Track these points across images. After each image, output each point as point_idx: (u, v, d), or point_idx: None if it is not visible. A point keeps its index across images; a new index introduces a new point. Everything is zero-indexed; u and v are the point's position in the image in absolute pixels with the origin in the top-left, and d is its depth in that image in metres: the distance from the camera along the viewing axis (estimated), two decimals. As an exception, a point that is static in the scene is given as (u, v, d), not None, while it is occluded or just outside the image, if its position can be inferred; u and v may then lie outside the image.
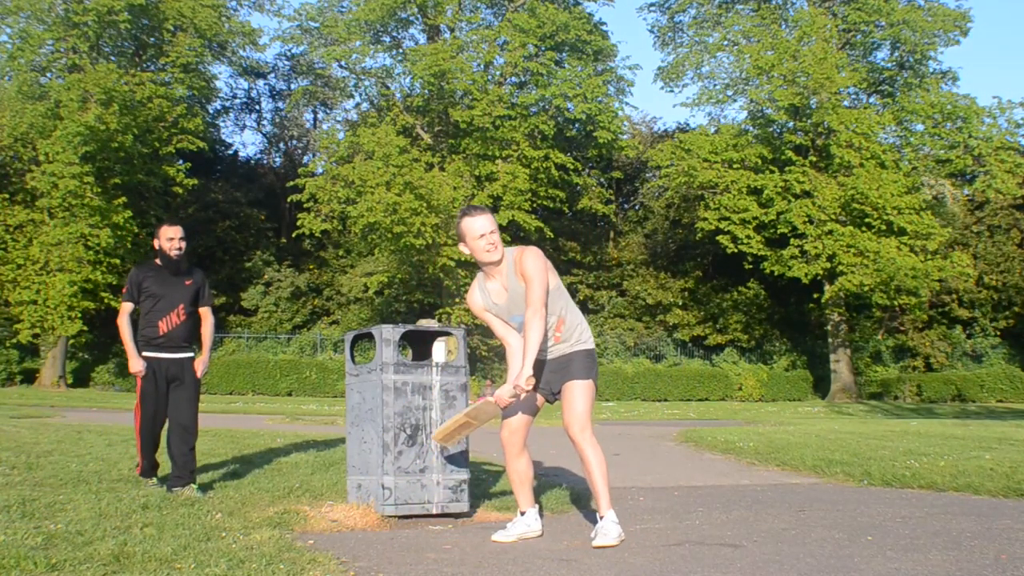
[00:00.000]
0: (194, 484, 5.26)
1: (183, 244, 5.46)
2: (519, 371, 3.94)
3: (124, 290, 5.50)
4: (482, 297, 4.13)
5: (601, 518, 3.90)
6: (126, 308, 5.44)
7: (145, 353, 5.37)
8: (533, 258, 3.98)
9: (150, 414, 5.37)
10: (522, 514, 4.09)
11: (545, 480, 6.06)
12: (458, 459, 4.69)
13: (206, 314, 5.60)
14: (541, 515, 4.34)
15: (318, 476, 5.80)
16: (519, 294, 3.97)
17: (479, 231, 4.00)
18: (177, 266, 5.46)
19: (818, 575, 3.26)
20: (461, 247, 4.08)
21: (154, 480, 5.46)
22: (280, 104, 38.19)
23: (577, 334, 4.10)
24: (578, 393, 3.99)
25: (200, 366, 5.49)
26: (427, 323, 5.22)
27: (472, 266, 26.42)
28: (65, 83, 24.54)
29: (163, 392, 5.37)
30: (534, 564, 3.46)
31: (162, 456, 5.60)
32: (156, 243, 5.48)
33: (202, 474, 5.91)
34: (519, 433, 4.09)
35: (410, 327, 4.79)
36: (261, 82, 38.30)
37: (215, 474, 5.91)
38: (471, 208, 4.10)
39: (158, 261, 5.49)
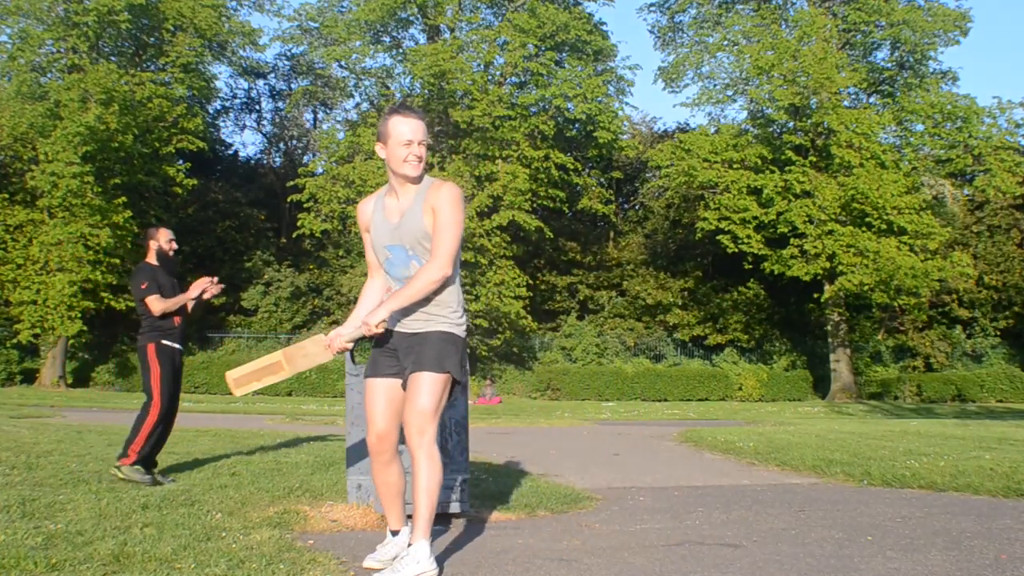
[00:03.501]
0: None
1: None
2: (373, 309, 3.36)
3: (144, 285, 5.75)
4: (373, 211, 3.49)
5: (409, 545, 3.25)
6: (155, 299, 5.73)
7: (164, 342, 5.72)
8: (456, 199, 3.33)
9: (168, 399, 5.68)
10: (394, 534, 3.49)
11: (545, 481, 6.05)
12: (458, 459, 4.69)
13: None
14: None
15: (318, 476, 5.81)
16: (415, 227, 3.34)
17: (407, 136, 3.33)
18: (173, 265, 5.95)
19: (818, 575, 3.26)
20: (378, 149, 3.40)
21: (151, 473, 5.56)
22: (280, 104, 38.20)
23: (443, 308, 3.37)
24: (426, 385, 3.27)
25: None
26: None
27: (470, 267, 26.46)
28: (65, 83, 24.53)
29: (177, 380, 5.80)
30: (534, 564, 3.46)
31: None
32: (154, 244, 5.89)
33: (202, 473, 5.91)
34: (391, 437, 3.40)
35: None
36: (261, 82, 38.32)
37: (216, 474, 5.90)
38: (404, 107, 3.41)
39: (154, 262, 5.88)
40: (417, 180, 3.39)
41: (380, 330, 3.31)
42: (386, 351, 3.43)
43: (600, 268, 34.07)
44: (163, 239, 5.91)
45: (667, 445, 9.88)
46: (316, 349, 3.57)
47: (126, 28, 25.95)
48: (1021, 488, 5.47)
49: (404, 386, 3.37)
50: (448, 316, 3.38)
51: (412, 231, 3.35)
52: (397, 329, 3.40)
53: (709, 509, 4.98)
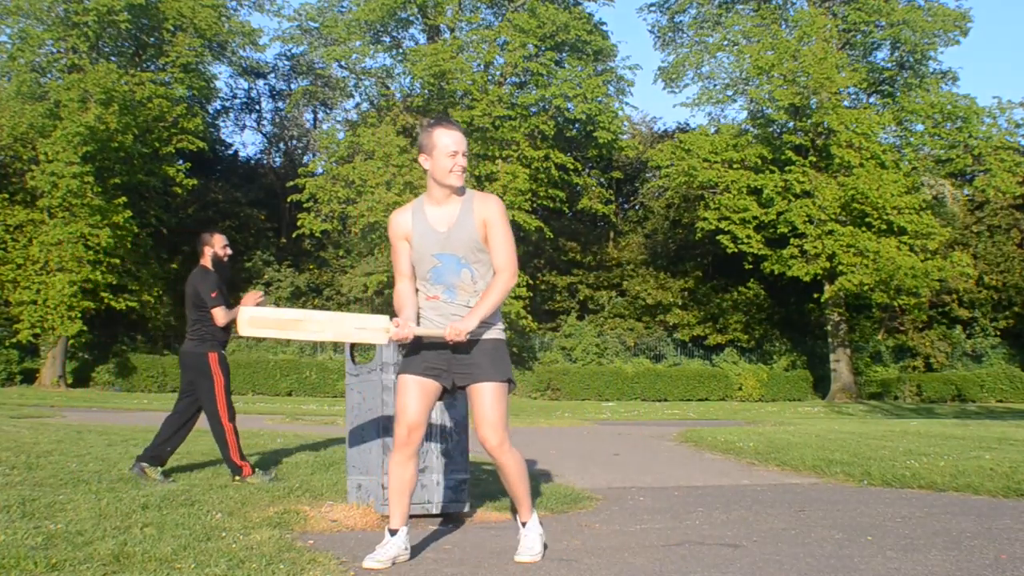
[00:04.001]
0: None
1: None
2: (465, 316, 3.45)
3: (215, 294, 5.77)
4: (412, 222, 3.55)
5: (523, 524, 3.60)
6: (222, 312, 5.79)
7: (223, 352, 5.86)
8: (504, 211, 3.54)
9: (231, 404, 5.77)
10: (392, 533, 3.45)
11: (545, 481, 6.05)
12: (458, 459, 4.70)
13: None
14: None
15: (318, 476, 5.81)
16: (468, 237, 3.49)
17: (453, 147, 3.48)
18: (227, 272, 6.02)
19: (818, 575, 3.26)
20: (422, 160, 3.53)
21: (268, 473, 5.66)
22: (280, 104, 38.20)
23: (493, 315, 3.55)
24: (491, 398, 3.47)
25: None
26: (427, 323, 5.13)
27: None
28: (65, 83, 24.51)
29: None
30: (534, 564, 3.46)
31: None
32: (209, 250, 5.89)
33: (202, 473, 5.91)
34: (420, 430, 3.49)
35: (410, 327, 4.78)
36: (261, 82, 38.31)
37: (216, 474, 5.90)
38: (446, 119, 3.57)
39: (209, 267, 5.89)
40: (462, 190, 3.54)
41: (465, 339, 3.44)
42: (426, 351, 3.53)
43: (600, 268, 34.06)
44: (218, 245, 5.93)
45: (667, 445, 9.88)
46: (375, 328, 3.56)
47: (126, 28, 25.93)
48: (1021, 488, 5.47)
49: (447, 389, 3.57)
50: (495, 323, 3.58)
51: (465, 241, 3.49)
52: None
53: (709, 509, 4.98)
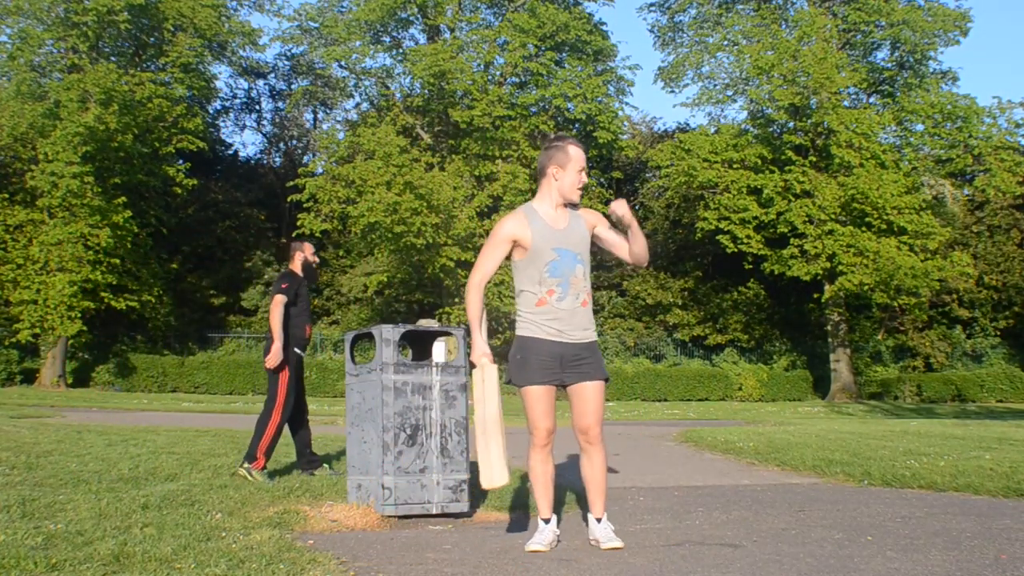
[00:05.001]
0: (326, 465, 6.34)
1: None
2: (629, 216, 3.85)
3: (284, 285, 6.05)
4: (529, 222, 3.80)
5: (598, 520, 3.82)
6: (281, 300, 6.00)
7: (296, 349, 6.09)
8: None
9: (291, 405, 6.03)
10: (546, 522, 3.84)
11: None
12: (458, 459, 4.70)
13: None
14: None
15: (318, 476, 5.81)
16: (581, 233, 3.83)
17: (582, 163, 3.82)
18: (315, 276, 6.43)
19: (818, 575, 3.26)
20: (553, 171, 3.79)
21: (272, 479, 5.76)
22: (280, 104, 38.20)
23: (594, 319, 3.93)
24: (597, 393, 3.80)
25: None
26: (427, 323, 5.18)
27: (470, 267, 26.42)
28: (65, 83, 24.51)
29: (300, 383, 6.26)
30: (534, 564, 3.46)
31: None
32: (300, 256, 6.28)
33: (202, 473, 5.91)
34: (553, 432, 3.85)
35: (410, 327, 4.79)
36: (261, 82, 38.32)
37: (216, 474, 5.90)
38: (570, 137, 3.92)
39: (299, 272, 6.24)
40: (578, 205, 3.88)
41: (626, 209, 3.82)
42: (544, 361, 3.76)
43: (600, 268, 34.03)
44: (308, 251, 6.35)
45: (667, 445, 9.89)
46: (492, 382, 3.82)
47: (126, 28, 25.92)
48: (1021, 488, 5.46)
49: (562, 386, 3.82)
50: (595, 326, 3.89)
51: (580, 238, 3.82)
52: (565, 340, 3.75)
53: (709, 509, 4.98)
